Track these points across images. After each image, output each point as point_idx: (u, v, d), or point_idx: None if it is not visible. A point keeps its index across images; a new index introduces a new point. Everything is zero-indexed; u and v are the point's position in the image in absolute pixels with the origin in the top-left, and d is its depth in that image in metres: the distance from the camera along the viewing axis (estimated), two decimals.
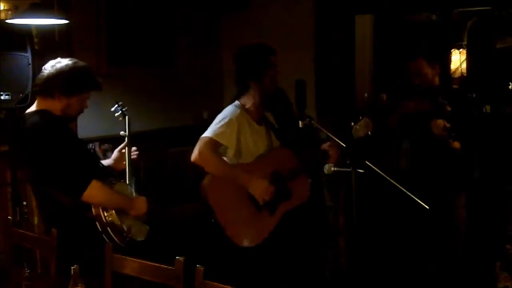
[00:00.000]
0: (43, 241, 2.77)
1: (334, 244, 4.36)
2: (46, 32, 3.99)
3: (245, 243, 3.23)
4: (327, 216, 4.40)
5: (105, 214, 2.77)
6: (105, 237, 2.74)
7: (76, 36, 4.21)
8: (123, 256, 2.49)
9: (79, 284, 2.10)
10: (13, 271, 2.77)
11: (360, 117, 3.10)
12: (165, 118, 5.09)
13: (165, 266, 2.35)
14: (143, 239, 2.92)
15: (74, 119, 2.93)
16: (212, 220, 3.21)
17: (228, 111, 3.35)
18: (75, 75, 2.85)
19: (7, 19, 3.57)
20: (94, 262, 2.54)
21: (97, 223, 2.76)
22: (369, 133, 3.08)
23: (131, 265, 2.46)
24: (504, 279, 3.89)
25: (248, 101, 3.39)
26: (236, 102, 3.40)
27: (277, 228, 3.33)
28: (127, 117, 3.24)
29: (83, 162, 2.78)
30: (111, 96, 3.83)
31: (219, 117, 3.32)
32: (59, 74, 2.81)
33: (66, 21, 3.53)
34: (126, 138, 3.19)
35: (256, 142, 3.39)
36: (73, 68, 2.84)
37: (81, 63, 2.92)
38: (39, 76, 2.85)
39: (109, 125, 4.34)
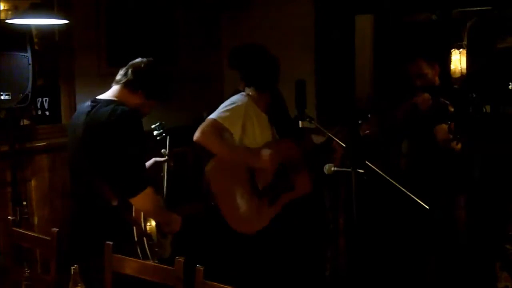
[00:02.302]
0: (43, 241, 2.77)
1: (334, 244, 4.36)
2: (46, 32, 3.99)
3: (244, 229, 3.24)
4: (326, 216, 4.39)
5: (146, 224, 2.73)
6: (138, 248, 2.68)
7: (76, 36, 4.20)
8: (123, 256, 2.49)
9: (79, 284, 2.10)
10: (13, 271, 2.76)
11: (369, 115, 3.10)
12: (165, 118, 5.08)
13: (165, 266, 2.36)
14: (167, 257, 2.86)
15: None
16: (212, 203, 3.21)
17: (235, 98, 3.37)
18: (164, 82, 2.89)
19: (7, 19, 3.57)
20: None
21: (134, 229, 2.70)
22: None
23: (131, 265, 2.46)
24: (504, 279, 3.89)
25: (251, 90, 3.41)
26: (243, 92, 3.41)
27: (278, 217, 3.34)
28: (168, 137, 3.33)
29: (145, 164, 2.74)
30: None
31: (226, 102, 3.35)
32: (153, 74, 2.83)
33: (66, 21, 3.53)
34: (166, 156, 3.28)
35: (262, 131, 3.40)
36: (165, 75, 2.90)
37: (168, 73, 2.98)
38: (126, 68, 2.85)
39: None
